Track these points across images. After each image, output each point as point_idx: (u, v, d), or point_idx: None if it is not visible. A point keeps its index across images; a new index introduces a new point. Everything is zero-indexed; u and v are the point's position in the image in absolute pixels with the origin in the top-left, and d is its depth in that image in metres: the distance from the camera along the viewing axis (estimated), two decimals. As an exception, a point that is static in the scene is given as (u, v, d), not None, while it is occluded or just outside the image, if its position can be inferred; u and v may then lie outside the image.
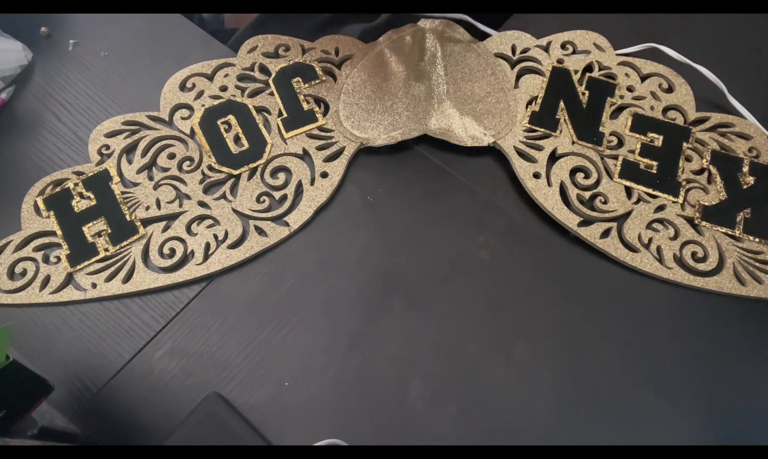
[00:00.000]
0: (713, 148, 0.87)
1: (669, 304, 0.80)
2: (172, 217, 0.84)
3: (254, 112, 0.90)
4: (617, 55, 0.95)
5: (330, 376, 0.75)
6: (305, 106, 0.91)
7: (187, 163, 0.87)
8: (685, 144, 0.87)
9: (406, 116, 0.89)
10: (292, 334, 0.78)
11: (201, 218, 0.84)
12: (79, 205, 0.83)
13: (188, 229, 0.83)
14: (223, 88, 0.93)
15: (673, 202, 0.84)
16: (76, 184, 0.85)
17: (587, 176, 0.85)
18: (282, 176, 0.86)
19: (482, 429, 0.73)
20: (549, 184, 0.85)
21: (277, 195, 0.85)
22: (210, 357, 0.76)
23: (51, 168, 0.87)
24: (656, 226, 0.83)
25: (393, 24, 0.98)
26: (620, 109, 0.91)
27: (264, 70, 0.95)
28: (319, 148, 0.88)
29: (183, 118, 0.90)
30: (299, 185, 0.86)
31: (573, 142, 0.88)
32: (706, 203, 0.83)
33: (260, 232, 0.83)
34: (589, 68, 0.94)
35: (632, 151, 0.87)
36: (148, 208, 0.84)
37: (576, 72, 0.93)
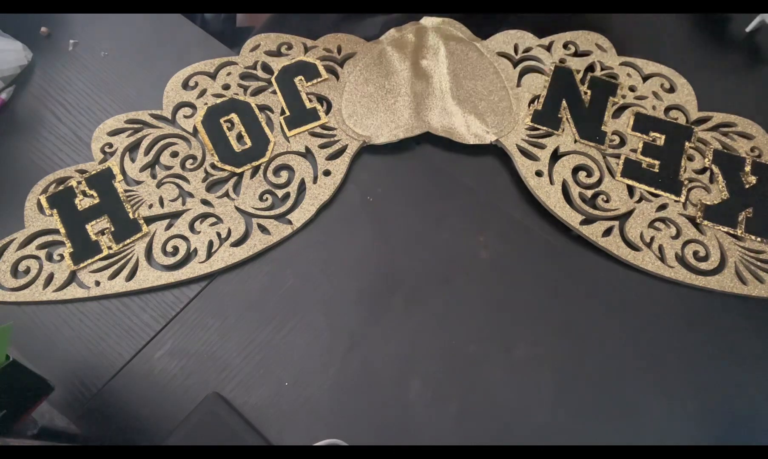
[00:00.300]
0: (715, 148, 0.87)
1: (670, 303, 0.80)
2: (175, 215, 0.84)
3: (257, 111, 0.90)
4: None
5: (330, 376, 0.75)
6: (308, 105, 0.91)
7: (190, 161, 0.87)
8: (687, 143, 0.87)
9: (408, 114, 0.89)
10: (292, 334, 0.78)
11: (204, 216, 0.84)
12: (82, 203, 0.84)
13: (191, 227, 0.83)
14: (226, 87, 0.93)
15: (675, 201, 0.84)
16: (79, 183, 0.85)
17: (589, 175, 0.85)
18: (285, 174, 0.86)
19: (482, 429, 0.73)
20: (551, 182, 0.85)
21: (280, 193, 0.85)
22: (210, 357, 0.77)
23: (51, 168, 0.87)
24: (658, 224, 0.83)
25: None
26: (622, 108, 0.91)
27: (266, 68, 0.95)
28: (322, 146, 0.88)
29: (186, 117, 0.90)
30: (302, 183, 0.86)
31: (575, 141, 0.88)
32: (708, 202, 0.83)
33: (263, 230, 0.83)
34: (591, 68, 0.94)
35: (634, 150, 0.87)
36: (151, 206, 0.84)
37: (578, 72, 0.93)
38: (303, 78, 0.93)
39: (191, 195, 0.85)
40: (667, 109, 0.91)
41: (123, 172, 0.86)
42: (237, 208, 0.84)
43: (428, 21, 0.97)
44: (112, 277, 0.80)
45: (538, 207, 0.84)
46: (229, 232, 0.82)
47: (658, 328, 0.78)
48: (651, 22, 1.00)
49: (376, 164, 0.89)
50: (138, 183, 0.85)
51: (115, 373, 0.76)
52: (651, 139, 0.88)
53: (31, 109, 0.93)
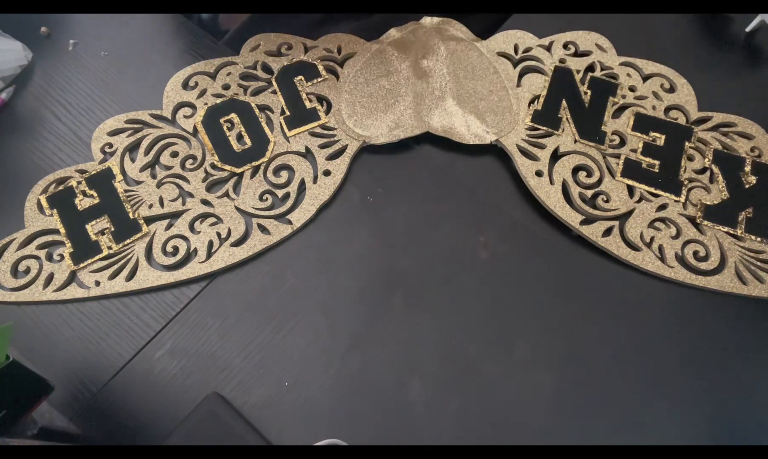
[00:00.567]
0: (715, 148, 0.87)
1: (670, 303, 0.80)
2: (175, 216, 0.84)
3: (257, 111, 0.90)
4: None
5: (330, 376, 0.75)
6: (308, 105, 0.91)
7: (190, 161, 0.87)
8: (687, 143, 0.87)
9: (408, 114, 0.89)
10: (292, 334, 0.78)
11: (204, 216, 0.84)
12: (82, 203, 0.84)
13: (191, 227, 0.83)
14: (226, 87, 0.93)
15: (675, 201, 0.84)
16: (79, 183, 0.85)
17: (589, 175, 0.85)
18: (285, 174, 0.86)
19: (482, 429, 0.73)
20: (551, 182, 0.85)
21: (280, 193, 0.85)
22: (210, 357, 0.77)
23: (51, 168, 0.87)
24: (658, 224, 0.83)
25: (389, 22, 0.98)
26: (622, 108, 0.91)
27: (266, 68, 0.95)
28: (322, 146, 0.88)
29: (186, 117, 0.90)
30: (302, 183, 0.86)
31: (575, 141, 0.88)
32: (708, 202, 0.83)
33: (263, 230, 0.83)
34: (591, 68, 0.94)
35: (634, 150, 0.87)
36: (151, 206, 0.84)
37: (578, 72, 0.93)
38: (303, 78, 0.93)
39: (191, 195, 0.85)
40: (667, 109, 0.91)
41: (123, 172, 0.86)
42: (237, 208, 0.84)
43: (428, 21, 0.97)
44: (112, 277, 0.80)
45: (537, 207, 0.84)
46: (229, 232, 0.82)
47: (658, 328, 0.78)
48: (651, 22, 1.00)
49: (376, 164, 0.89)
50: (138, 183, 0.85)
51: (115, 373, 0.76)
52: (651, 139, 0.88)
53: (31, 109, 0.93)
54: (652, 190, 0.84)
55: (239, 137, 0.89)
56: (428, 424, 0.73)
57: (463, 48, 0.95)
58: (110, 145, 0.88)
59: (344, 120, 0.90)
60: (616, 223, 0.83)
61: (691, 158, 0.87)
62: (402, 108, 0.90)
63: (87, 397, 0.74)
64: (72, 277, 0.80)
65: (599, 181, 0.85)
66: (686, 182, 0.85)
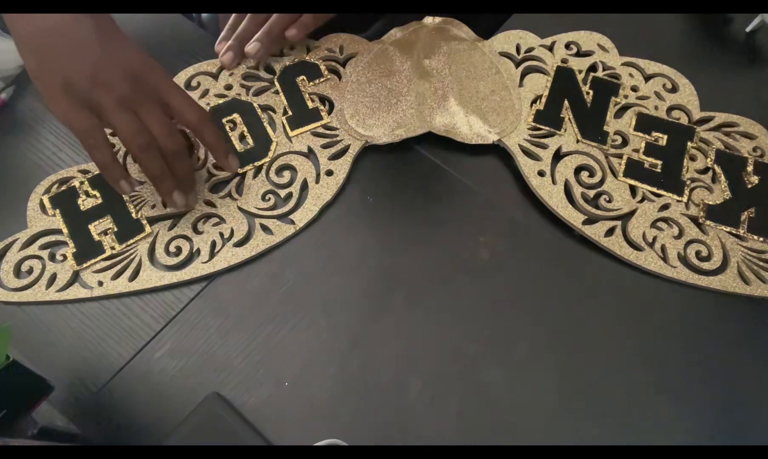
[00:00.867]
0: (718, 148, 0.87)
1: (673, 303, 0.80)
2: (178, 216, 0.84)
3: (259, 111, 0.91)
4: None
5: (330, 376, 0.75)
6: (310, 105, 0.91)
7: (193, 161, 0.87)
8: (689, 143, 0.87)
9: (410, 114, 0.89)
10: (292, 334, 0.78)
11: (207, 216, 0.84)
12: (85, 203, 0.84)
13: (194, 228, 0.83)
14: (228, 87, 0.93)
15: (678, 201, 0.84)
16: (81, 183, 0.85)
17: (592, 175, 0.85)
18: (287, 174, 0.87)
19: (482, 429, 0.73)
20: (554, 182, 0.85)
21: (283, 193, 0.85)
22: (210, 357, 0.76)
23: (52, 168, 0.88)
24: (661, 224, 0.82)
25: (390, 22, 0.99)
26: (624, 108, 0.91)
27: (269, 68, 0.95)
28: (324, 146, 0.88)
29: (187, 117, 0.90)
30: (304, 183, 0.86)
31: (577, 141, 0.88)
32: (711, 202, 0.83)
33: (266, 230, 0.83)
34: (593, 68, 0.94)
35: (637, 150, 0.87)
36: (154, 206, 0.84)
37: (580, 72, 0.93)
38: (305, 78, 0.93)
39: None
40: (670, 109, 0.90)
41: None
42: (240, 209, 0.84)
43: (430, 21, 0.97)
44: (115, 277, 0.80)
45: (539, 207, 0.84)
46: (232, 232, 0.82)
47: (660, 328, 0.78)
48: (653, 22, 1.00)
49: (377, 164, 0.89)
50: (141, 183, 0.85)
51: (115, 373, 0.76)
52: (653, 139, 0.87)
53: (31, 109, 0.93)
54: (655, 190, 0.84)
55: (242, 137, 0.89)
56: (428, 424, 0.73)
57: (465, 48, 0.95)
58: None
59: (346, 120, 0.90)
60: (619, 223, 0.83)
61: (693, 158, 0.86)
62: (404, 108, 0.90)
63: (87, 397, 0.74)
64: (75, 278, 0.80)
65: (601, 181, 0.85)
66: (689, 182, 0.85)
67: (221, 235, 0.82)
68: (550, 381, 0.75)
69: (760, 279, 0.80)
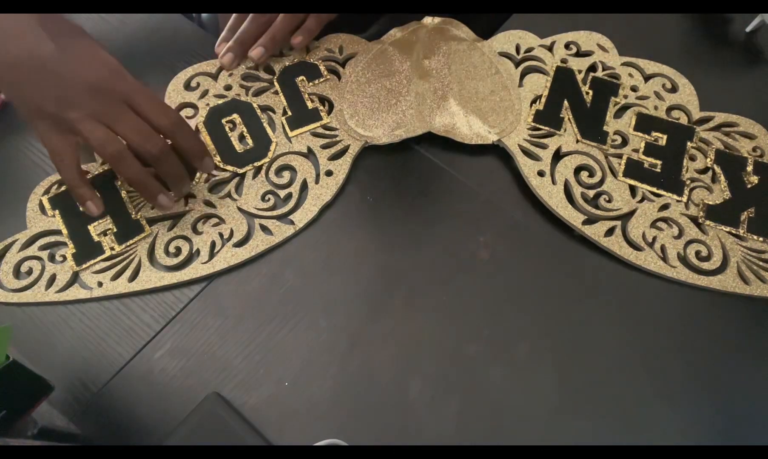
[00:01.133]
0: (717, 148, 0.87)
1: (672, 303, 0.80)
2: (177, 216, 0.84)
3: (259, 111, 0.91)
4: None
5: (330, 376, 0.75)
6: (309, 105, 0.91)
7: (192, 161, 0.87)
8: (689, 143, 0.87)
9: (410, 114, 0.89)
10: (292, 334, 0.78)
11: (206, 217, 0.84)
12: (84, 203, 0.83)
13: (194, 228, 0.83)
14: (228, 87, 0.93)
15: (678, 201, 0.84)
16: (81, 183, 0.85)
17: (591, 175, 0.85)
18: (287, 175, 0.87)
19: (482, 429, 0.73)
20: (553, 182, 0.85)
21: (282, 193, 0.85)
22: (210, 357, 0.76)
23: (51, 168, 0.87)
24: (660, 224, 0.83)
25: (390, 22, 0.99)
26: (624, 108, 0.91)
27: (268, 69, 0.95)
28: (324, 147, 0.88)
29: (188, 117, 0.90)
30: (304, 183, 0.86)
31: (577, 141, 0.88)
32: (711, 202, 0.83)
33: (265, 230, 0.83)
34: (592, 68, 0.94)
35: (636, 150, 0.87)
36: (153, 207, 0.84)
37: (580, 72, 0.93)
38: (305, 78, 0.93)
39: (193, 196, 0.85)
40: (669, 109, 0.91)
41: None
42: (239, 209, 0.84)
43: (429, 21, 0.97)
44: (115, 277, 0.80)
45: (539, 207, 0.84)
46: (232, 232, 0.82)
47: (660, 328, 0.78)
48: (652, 22, 1.00)
49: (377, 164, 0.89)
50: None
51: (115, 373, 0.76)
52: (653, 139, 0.88)
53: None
54: (654, 190, 0.84)
55: (241, 138, 0.89)
56: (428, 424, 0.73)
57: (464, 48, 0.95)
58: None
59: (346, 120, 0.90)
60: (619, 223, 0.83)
61: (693, 158, 0.87)
62: (404, 108, 0.90)
63: (87, 397, 0.74)
64: (74, 278, 0.80)
65: (601, 181, 0.85)
66: (688, 182, 0.85)
67: (221, 235, 0.82)
68: (550, 381, 0.75)
69: (759, 279, 0.80)
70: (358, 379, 0.75)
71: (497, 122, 0.88)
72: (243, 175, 0.86)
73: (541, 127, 0.89)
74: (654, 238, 0.82)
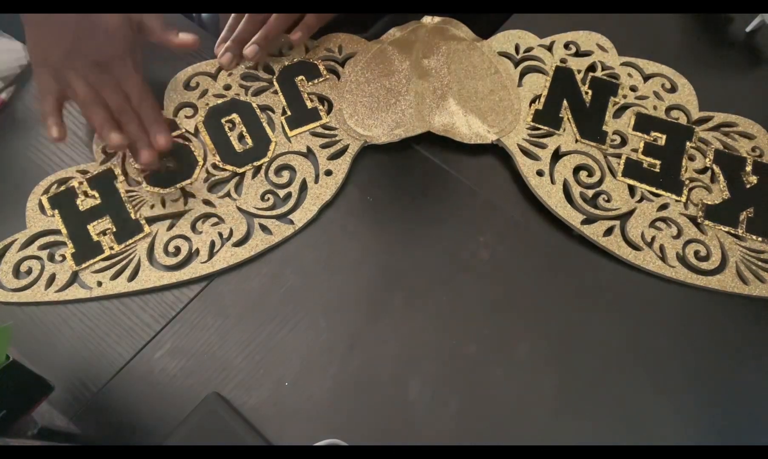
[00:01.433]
0: (716, 148, 0.87)
1: (671, 303, 0.80)
2: (176, 216, 0.84)
3: (258, 111, 0.90)
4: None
5: (330, 376, 0.75)
6: (309, 105, 0.91)
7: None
8: (688, 143, 0.87)
9: (409, 114, 0.89)
10: (292, 334, 0.78)
11: (206, 216, 0.84)
12: (83, 203, 0.84)
13: (193, 228, 0.83)
14: (227, 87, 0.93)
15: (676, 200, 0.84)
16: (80, 183, 0.85)
17: (590, 174, 0.85)
18: (286, 174, 0.86)
19: (482, 429, 0.73)
20: (552, 181, 0.85)
21: (282, 193, 0.85)
22: (210, 357, 0.76)
23: (51, 168, 0.87)
24: (659, 224, 0.83)
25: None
26: (623, 108, 0.91)
27: (267, 68, 0.95)
28: (323, 146, 0.88)
29: (187, 117, 0.90)
30: (303, 183, 0.86)
31: (576, 141, 0.88)
32: (709, 202, 0.83)
33: (265, 230, 0.83)
34: (592, 68, 0.94)
35: (635, 150, 0.87)
36: (152, 206, 0.84)
37: (579, 71, 0.93)
38: (304, 78, 0.93)
39: (193, 195, 0.85)
40: (668, 109, 0.91)
41: (124, 172, 0.86)
42: (239, 209, 0.84)
43: (429, 20, 0.97)
44: (114, 277, 0.80)
45: (538, 207, 0.84)
46: (231, 232, 0.82)
47: (659, 328, 0.78)
48: (652, 22, 1.00)
49: (377, 164, 0.89)
50: (139, 183, 0.85)
51: (115, 373, 0.76)
52: (652, 138, 0.88)
53: (31, 109, 0.93)
54: (653, 189, 0.84)
55: (240, 137, 0.89)
56: (428, 424, 0.73)
57: (464, 48, 0.95)
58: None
59: (345, 120, 0.90)
60: (617, 222, 0.83)
61: (692, 158, 0.87)
62: (403, 107, 0.90)
63: (87, 397, 0.75)
64: (74, 278, 0.80)
65: (600, 181, 0.85)
66: (687, 182, 0.85)
67: (220, 235, 0.82)
68: (550, 380, 0.75)
69: (758, 279, 0.80)
70: (358, 379, 0.75)
71: (496, 122, 0.88)
72: (242, 175, 0.86)
73: (540, 126, 0.89)
74: (653, 238, 0.82)
